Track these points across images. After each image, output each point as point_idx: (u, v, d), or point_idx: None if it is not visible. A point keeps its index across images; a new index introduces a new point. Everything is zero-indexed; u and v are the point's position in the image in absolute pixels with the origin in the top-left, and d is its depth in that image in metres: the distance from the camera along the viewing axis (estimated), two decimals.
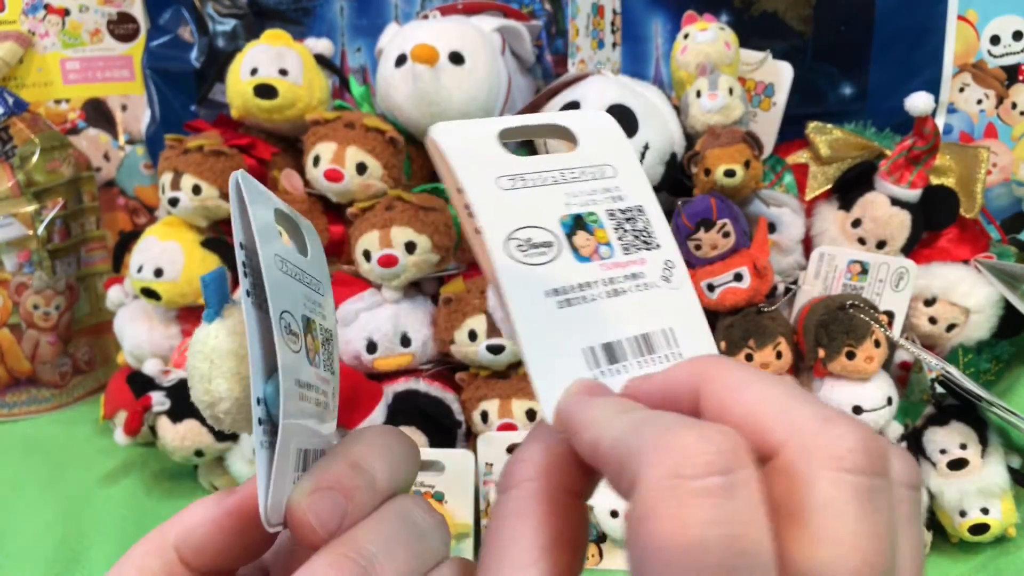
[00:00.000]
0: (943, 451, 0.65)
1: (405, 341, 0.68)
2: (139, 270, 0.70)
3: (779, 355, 0.66)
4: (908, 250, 0.71)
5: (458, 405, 0.69)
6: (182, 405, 0.67)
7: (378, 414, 0.66)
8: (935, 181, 0.72)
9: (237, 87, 0.72)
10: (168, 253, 0.70)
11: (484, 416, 0.66)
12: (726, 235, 0.65)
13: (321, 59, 0.75)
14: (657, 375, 0.26)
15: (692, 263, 0.67)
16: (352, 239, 0.67)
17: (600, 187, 0.29)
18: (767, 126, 0.75)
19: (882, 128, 0.79)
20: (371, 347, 0.67)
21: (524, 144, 0.77)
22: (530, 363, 0.25)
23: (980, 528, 0.64)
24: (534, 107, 0.74)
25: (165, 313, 0.73)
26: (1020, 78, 0.85)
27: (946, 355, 0.73)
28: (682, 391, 0.24)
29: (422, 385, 0.68)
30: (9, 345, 0.84)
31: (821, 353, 0.64)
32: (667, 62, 0.78)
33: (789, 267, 0.73)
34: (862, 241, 0.71)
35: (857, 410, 0.64)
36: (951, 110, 0.85)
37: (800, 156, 0.76)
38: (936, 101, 0.69)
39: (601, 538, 0.67)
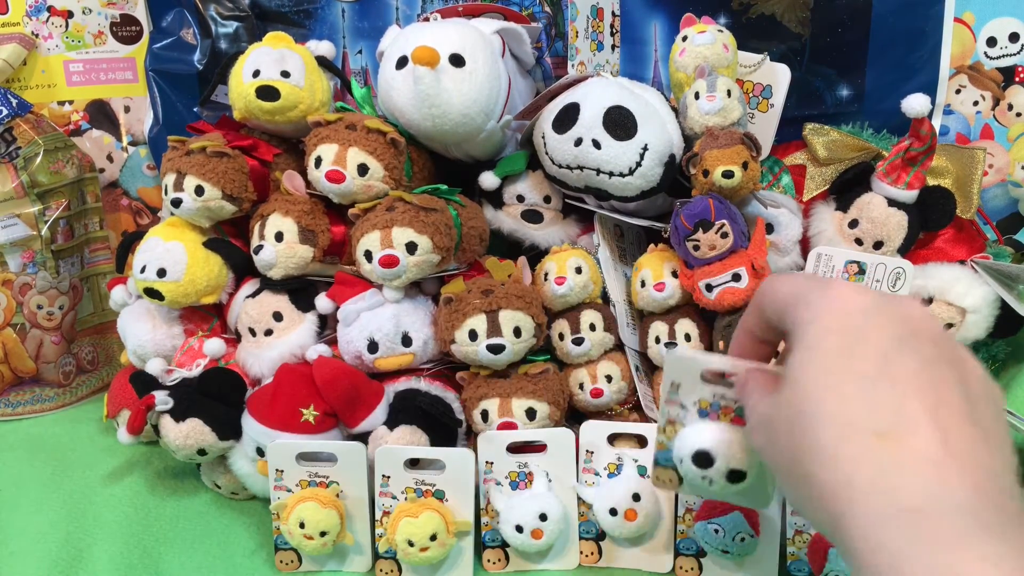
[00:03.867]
0: None
1: (406, 341, 0.68)
2: (142, 270, 0.71)
3: (776, 354, 0.66)
4: (905, 250, 0.71)
5: (458, 404, 0.69)
6: (185, 404, 0.68)
7: (380, 413, 0.66)
8: (932, 182, 0.72)
9: (239, 89, 0.72)
10: (171, 253, 0.70)
11: (484, 415, 0.67)
12: (724, 236, 0.65)
13: (323, 61, 0.76)
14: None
15: (690, 264, 0.67)
16: (353, 239, 0.68)
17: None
18: (765, 127, 0.75)
19: (879, 130, 0.79)
20: (372, 347, 0.67)
21: (524, 145, 0.78)
22: None
23: None
24: (534, 109, 0.75)
25: (168, 313, 0.74)
26: (1016, 80, 0.85)
27: None
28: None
29: (423, 384, 0.69)
30: (13, 345, 0.85)
31: None
32: (666, 64, 0.79)
33: (787, 267, 0.74)
34: (859, 241, 0.71)
35: None
36: (948, 112, 0.86)
37: (798, 157, 0.77)
38: (933, 103, 0.69)
39: (600, 536, 0.67)
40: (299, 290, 0.71)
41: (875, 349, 0.35)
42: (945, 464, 0.31)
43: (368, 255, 0.66)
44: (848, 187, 0.72)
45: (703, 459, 0.44)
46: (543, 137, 0.71)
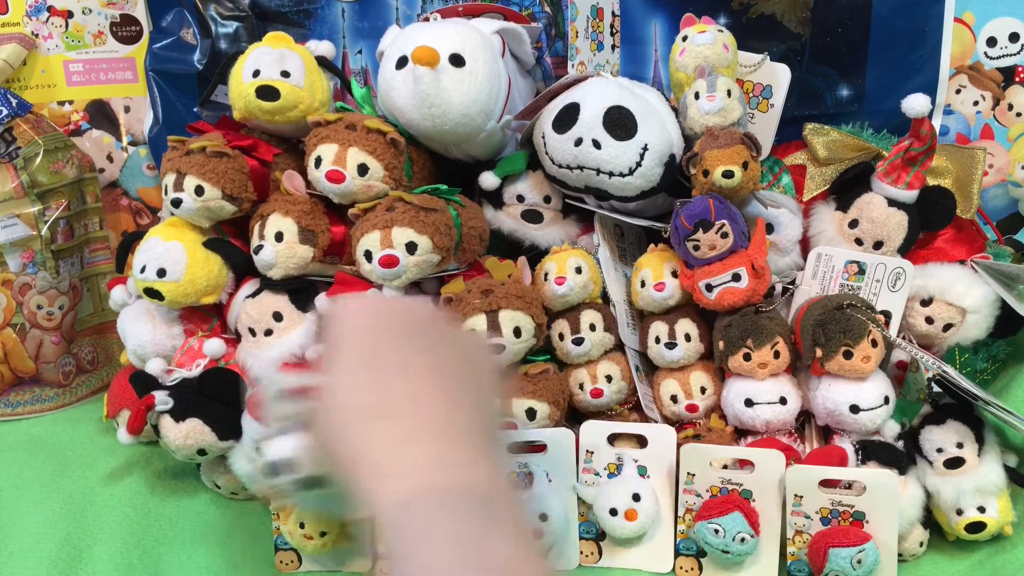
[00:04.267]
0: (940, 450, 0.66)
1: None
2: (142, 270, 0.70)
3: (777, 354, 0.66)
4: (905, 250, 0.71)
5: None
6: (185, 404, 0.68)
7: None
8: (932, 182, 0.72)
9: (239, 89, 0.72)
10: (171, 253, 0.70)
11: None
12: (724, 236, 0.65)
13: (323, 61, 0.75)
14: None
15: (690, 264, 0.67)
16: (353, 239, 0.68)
17: None
18: (765, 127, 0.75)
19: (879, 130, 0.79)
20: None
21: (524, 145, 0.78)
22: None
23: (977, 526, 0.65)
24: (534, 109, 0.75)
25: (168, 313, 0.74)
26: (1016, 80, 0.85)
27: (943, 355, 0.74)
28: None
29: None
30: (13, 345, 0.85)
31: (819, 352, 0.65)
32: (666, 64, 0.79)
33: (787, 267, 0.74)
34: (859, 241, 0.71)
35: (854, 409, 0.65)
36: (948, 112, 0.86)
37: (798, 157, 0.77)
38: (933, 103, 0.69)
39: (601, 536, 0.67)
40: (299, 290, 0.71)
41: (371, 346, 0.43)
42: (416, 432, 0.39)
43: (368, 255, 0.66)
44: (848, 187, 0.72)
45: (270, 470, 0.48)
46: (543, 137, 0.71)
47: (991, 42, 0.85)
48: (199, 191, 0.70)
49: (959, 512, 0.65)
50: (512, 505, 0.38)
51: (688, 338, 0.69)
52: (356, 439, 0.40)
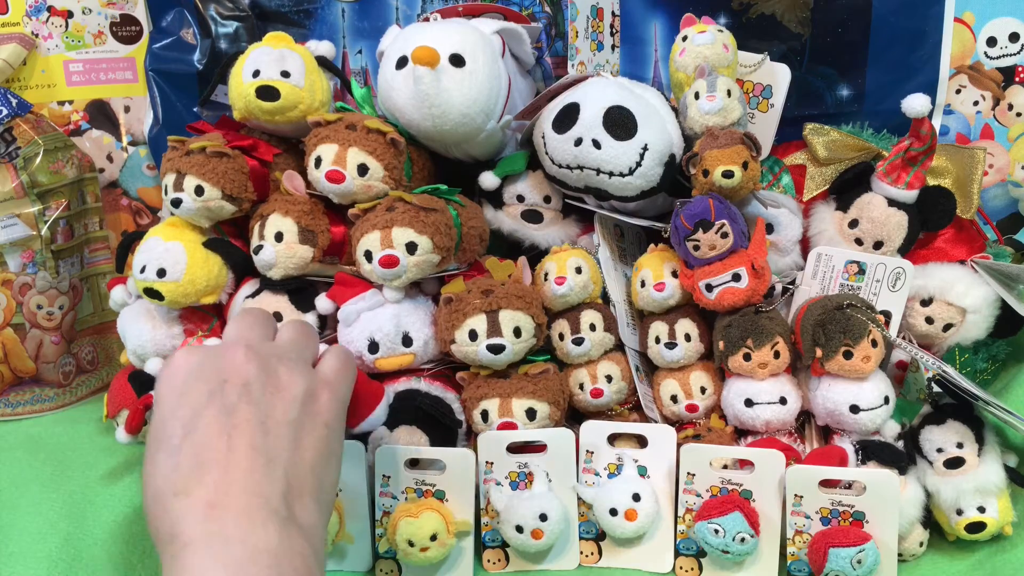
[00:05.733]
0: (940, 450, 0.66)
1: (407, 341, 0.68)
2: (142, 270, 0.70)
3: (777, 355, 0.66)
4: (905, 250, 0.71)
5: (459, 404, 0.69)
6: None
7: (380, 413, 0.66)
8: (932, 182, 0.73)
9: (239, 89, 0.72)
10: (171, 253, 0.70)
11: (484, 415, 0.67)
12: (724, 236, 0.65)
13: (323, 61, 0.75)
14: None
15: (690, 264, 0.67)
16: (353, 240, 0.68)
17: None
18: (765, 127, 0.75)
19: (879, 130, 0.80)
20: (373, 347, 0.67)
21: (524, 145, 0.78)
22: None
23: (977, 526, 0.65)
24: (534, 109, 0.75)
25: (168, 313, 0.74)
26: (1016, 80, 0.85)
27: (943, 355, 0.74)
28: None
29: (423, 384, 0.69)
30: (13, 345, 0.85)
31: (819, 353, 0.65)
32: (666, 64, 0.79)
33: (787, 267, 0.74)
34: (859, 241, 0.71)
35: (854, 409, 0.65)
36: (948, 112, 0.86)
37: (798, 157, 0.77)
38: (933, 103, 0.69)
39: (601, 536, 0.67)
40: (299, 290, 0.71)
41: (187, 410, 0.44)
42: (216, 504, 0.41)
43: (368, 255, 0.66)
44: (848, 187, 0.72)
45: None
46: (543, 137, 0.71)
47: (991, 42, 0.85)
48: (199, 191, 0.70)
49: (959, 512, 0.65)
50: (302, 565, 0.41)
51: (688, 338, 0.69)
52: (153, 515, 0.43)
